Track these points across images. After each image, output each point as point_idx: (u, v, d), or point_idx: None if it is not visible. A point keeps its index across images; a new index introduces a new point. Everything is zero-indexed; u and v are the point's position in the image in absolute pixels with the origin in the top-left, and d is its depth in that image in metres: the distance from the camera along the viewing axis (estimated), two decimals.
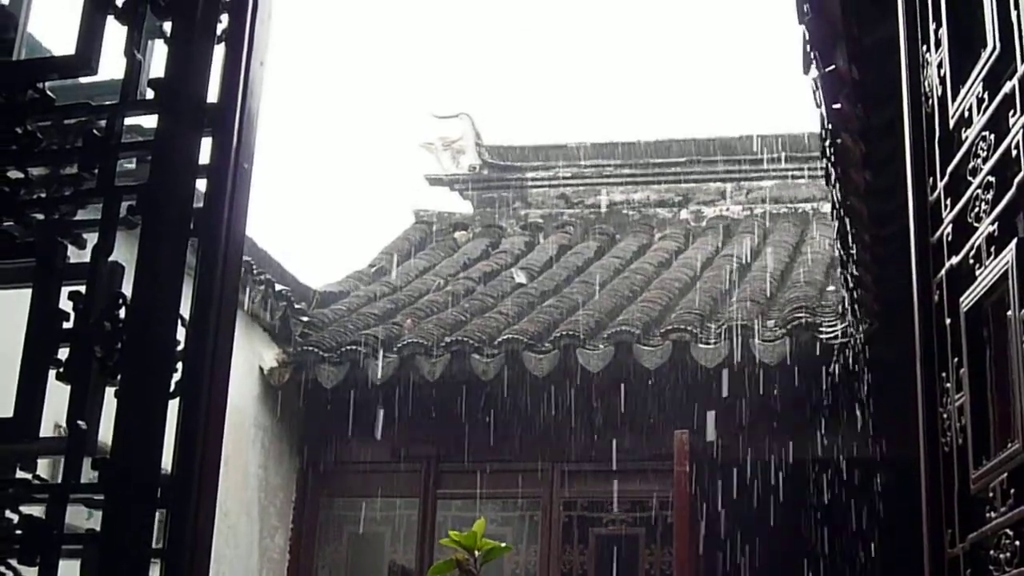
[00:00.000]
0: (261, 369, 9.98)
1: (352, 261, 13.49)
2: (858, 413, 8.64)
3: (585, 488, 9.95)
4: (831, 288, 10.14)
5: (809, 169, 13.30)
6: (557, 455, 10.00)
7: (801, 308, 9.27)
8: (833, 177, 6.54)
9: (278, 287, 10.02)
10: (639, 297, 10.61)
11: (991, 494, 2.55)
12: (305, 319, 10.47)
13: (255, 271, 9.62)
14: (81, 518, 2.63)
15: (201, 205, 2.73)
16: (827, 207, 12.78)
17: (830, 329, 8.93)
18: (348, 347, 9.96)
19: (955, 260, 2.83)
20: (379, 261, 13.04)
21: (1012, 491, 2.45)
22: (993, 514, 2.54)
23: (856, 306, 8.02)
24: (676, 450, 8.92)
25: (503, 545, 4.16)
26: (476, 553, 4.06)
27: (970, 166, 2.78)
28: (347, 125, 43.88)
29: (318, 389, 10.07)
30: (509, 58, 43.72)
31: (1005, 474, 2.48)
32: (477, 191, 14.92)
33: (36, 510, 2.58)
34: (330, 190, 42.71)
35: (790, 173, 13.82)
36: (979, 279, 2.68)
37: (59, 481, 2.57)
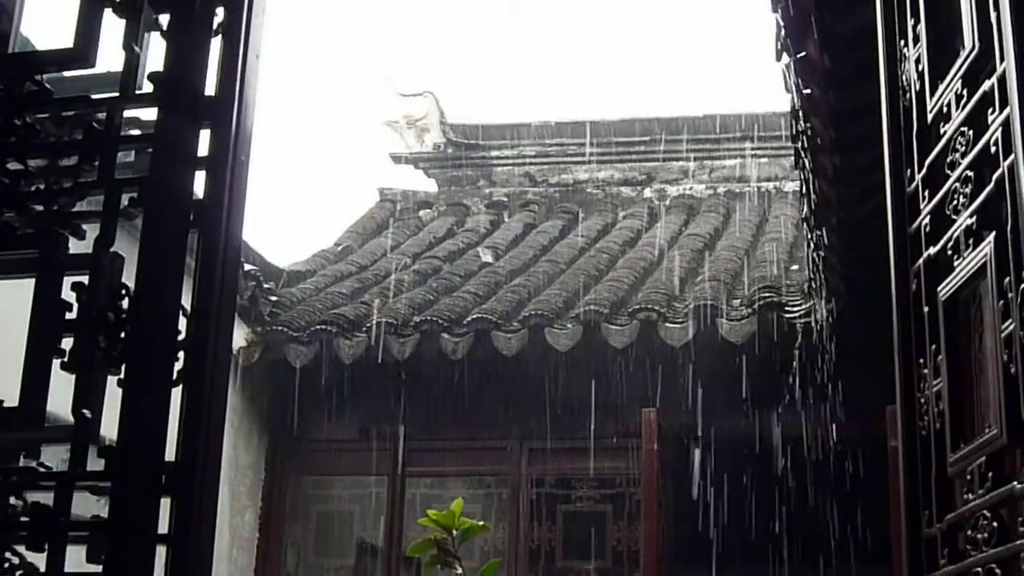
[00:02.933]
0: (231, 361, 9.99)
1: (318, 240, 13.48)
2: (824, 391, 8.76)
3: (553, 466, 10.05)
4: (795, 267, 10.25)
5: (772, 149, 13.44)
6: (526, 433, 10.08)
7: (766, 287, 9.38)
8: (802, 161, 6.63)
9: (246, 267, 10.03)
10: (605, 276, 10.69)
11: (969, 477, 2.65)
12: (273, 299, 10.48)
13: None
14: (85, 506, 2.69)
15: (200, 197, 2.78)
16: (789, 186, 12.94)
17: (796, 308, 9.04)
18: (317, 327, 9.99)
19: (933, 251, 2.92)
20: (345, 240, 13.08)
21: (990, 474, 2.54)
22: (971, 496, 2.63)
23: (822, 286, 8.13)
24: (644, 428, 9.02)
25: (481, 524, 4.21)
26: (454, 532, 4.11)
27: (948, 160, 2.86)
28: (311, 104, 43.74)
29: (287, 368, 10.10)
30: (473, 37, 43.64)
31: (983, 458, 2.57)
32: (442, 169, 14.95)
33: (41, 497, 2.64)
34: (295, 169, 42.55)
35: (753, 152, 13.92)
36: (957, 270, 2.76)
37: (64, 469, 2.63)
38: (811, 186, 6.78)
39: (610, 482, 9.89)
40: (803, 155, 6.54)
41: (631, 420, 9.39)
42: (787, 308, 9.09)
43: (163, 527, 2.57)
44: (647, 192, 14.16)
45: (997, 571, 2.49)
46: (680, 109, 14.91)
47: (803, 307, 8.97)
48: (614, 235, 12.55)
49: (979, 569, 2.56)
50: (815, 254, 7.73)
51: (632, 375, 9.58)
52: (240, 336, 10.08)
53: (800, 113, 6.05)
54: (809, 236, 7.64)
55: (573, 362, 9.59)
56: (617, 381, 9.58)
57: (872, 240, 7.03)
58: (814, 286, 8.40)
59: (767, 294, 9.22)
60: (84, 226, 2.85)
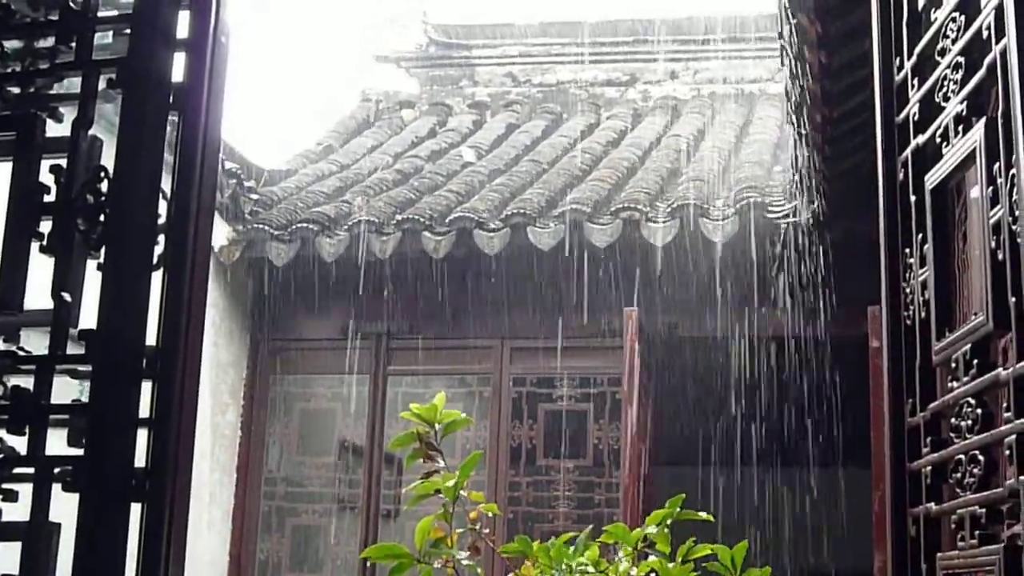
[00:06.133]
0: (212, 247, 9.93)
1: (299, 140, 13.38)
2: (806, 292, 8.78)
3: (534, 364, 10.05)
4: (778, 168, 10.22)
5: (756, 50, 13.36)
6: (507, 332, 10.08)
7: (750, 187, 9.34)
8: (788, 57, 6.58)
9: (228, 165, 9.95)
10: (588, 176, 10.65)
11: (953, 365, 2.64)
12: (254, 197, 10.41)
13: None
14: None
15: (180, 79, 2.74)
16: (773, 88, 12.88)
17: (779, 208, 9.02)
18: (299, 225, 9.95)
19: (921, 139, 2.89)
20: (326, 139, 12.99)
21: (975, 361, 2.54)
22: (955, 384, 2.63)
23: (805, 186, 8.11)
24: (625, 327, 9.00)
25: (462, 417, 4.20)
26: (436, 426, 4.10)
27: (939, 47, 2.83)
28: (293, 3, 43.17)
29: (269, 267, 10.07)
30: None
31: (968, 345, 2.56)
32: (424, 69, 14.84)
33: (21, 381, 2.62)
34: (275, 67, 42.12)
35: (737, 54, 13.84)
36: (945, 157, 2.74)
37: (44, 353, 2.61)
38: (796, 83, 6.73)
39: (591, 381, 9.92)
40: (788, 52, 6.49)
41: (613, 319, 9.40)
42: (770, 208, 9.07)
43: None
44: (631, 93, 14.06)
45: (980, 458, 2.50)
46: (665, 10, 14.80)
47: (786, 207, 8.95)
48: (597, 135, 12.47)
49: (962, 456, 2.57)
50: (799, 153, 7.71)
51: (614, 274, 9.57)
52: (221, 235, 10.02)
53: (786, 9, 5.99)
54: (793, 135, 7.61)
55: (555, 261, 9.57)
56: (599, 280, 9.58)
57: (856, 138, 7.03)
58: (798, 186, 8.38)
59: (750, 194, 9.19)
60: (62, 109, 2.82)
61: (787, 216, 8.90)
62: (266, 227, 10.02)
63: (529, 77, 14.44)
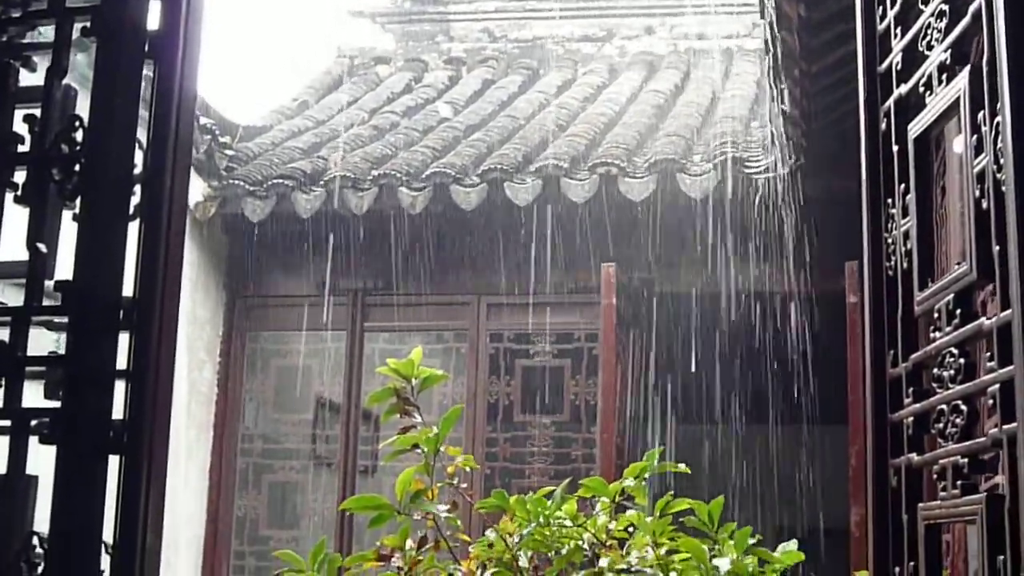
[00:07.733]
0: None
1: (274, 96, 13.27)
2: (785, 246, 8.77)
3: (512, 321, 10.04)
4: (756, 124, 10.19)
5: (734, 5, 13.29)
6: (484, 288, 10.06)
7: (727, 143, 9.32)
8: (766, 11, 6.55)
9: (203, 120, 9.87)
10: (565, 131, 10.61)
11: (936, 315, 2.63)
12: (230, 153, 10.34)
13: None
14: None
15: (156, 28, 2.70)
16: (751, 43, 12.84)
17: (756, 164, 9.00)
18: (275, 181, 9.89)
19: (904, 89, 2.87)
20: (302, 95, 12.90)
21: (958, 311, 2.53)
22: (937, 334, 2.62)
23: (783, 141, 8.09)
24: (603, 283, 9.00)
25: (439, 372, 4.18)
26: (413, 381, 4.08)
27: None
28: None
29: (245, 223, 10.02)
30: None
31: (952, 295, 2.55)
32: (399, 24, 14.73)
33: None
34: (250, 23, 41.79)
35: (714, 9, 13.78)
36: (929, 107, 2.72)
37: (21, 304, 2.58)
38: (775, 37, 6.70)
39: (568, 337, 9.91)
40: (767, 4, 6.45)
41: (590, 275, 9.38)
42: (748, 163, 9.05)
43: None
44: (607, 48, 14.01)
45: (963, 407, 2.49)
46: None
47: (764, 163, 8.93)
48: (574, 91, 12.43)
49: (944, 406, 2.56)
50: (777, 108, 7.68)
51: (592, 230, 9.56)
52: (197, 191, 9.95)
53: None
54: (771, 90, 7.58)
55: (532, 217, 9.55)
56: (577, 236, 9.57)
57: (835, 93, 7.01)
58: (775, 141, 8.36)
59: (728, 149, 9.17)
60: (35, 58, 2.78)
61: (765, 171, 8.89)
62: (242, 183, 9.96)
63: (505, 33, 14.36)
